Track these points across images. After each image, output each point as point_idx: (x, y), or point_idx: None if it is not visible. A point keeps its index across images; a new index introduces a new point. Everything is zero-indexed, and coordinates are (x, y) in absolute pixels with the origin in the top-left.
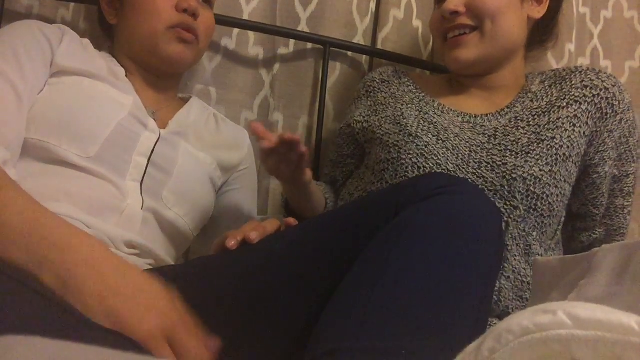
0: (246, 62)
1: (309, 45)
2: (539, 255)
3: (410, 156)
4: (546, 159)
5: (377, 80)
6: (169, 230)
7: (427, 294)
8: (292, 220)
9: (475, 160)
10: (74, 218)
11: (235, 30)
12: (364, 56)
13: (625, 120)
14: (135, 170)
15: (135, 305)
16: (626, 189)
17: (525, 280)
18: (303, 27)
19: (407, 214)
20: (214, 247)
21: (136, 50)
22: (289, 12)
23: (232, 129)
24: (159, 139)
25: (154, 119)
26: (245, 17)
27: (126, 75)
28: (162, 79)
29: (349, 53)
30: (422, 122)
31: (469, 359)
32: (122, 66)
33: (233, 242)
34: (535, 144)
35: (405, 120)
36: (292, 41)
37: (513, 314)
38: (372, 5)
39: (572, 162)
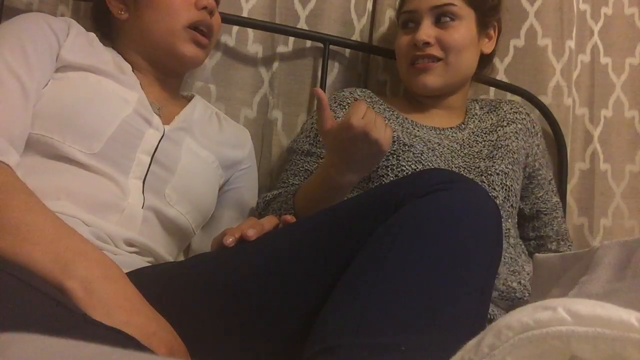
0: (245, 59)
1: (308, 43)
2: (513, 238)
3: (409, 163)
4: (507, 159)
5: (349, 98)
6: (170, 228)
7: (426, 290)
8: (289, 218)
9: (456, 165)
10: (74, 216)
11: (235, 28)
12: (361, 55)
13: (541, 135)
14: (138, 168)
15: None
16: (554, 189)
17: (512, 256)
18: (302, 25)
19: (406, 209)
20: (213, 244)
21: (149, 47)
22: (288, 10)
23: (234, 128)
24: (162, 136)
25: (159, 115)
26: (245, 14)
27: (132, 71)
28: (169, 76)
29: (347, 51)
30: (408, 134)
31: (469, 356)
32: (129, 62)
33: (231, 240)
34: (495, 151)
35: (395, 133)
36: (291, 39)
37: (513, 311)
38: (369, 5)
39: (520, 166)
